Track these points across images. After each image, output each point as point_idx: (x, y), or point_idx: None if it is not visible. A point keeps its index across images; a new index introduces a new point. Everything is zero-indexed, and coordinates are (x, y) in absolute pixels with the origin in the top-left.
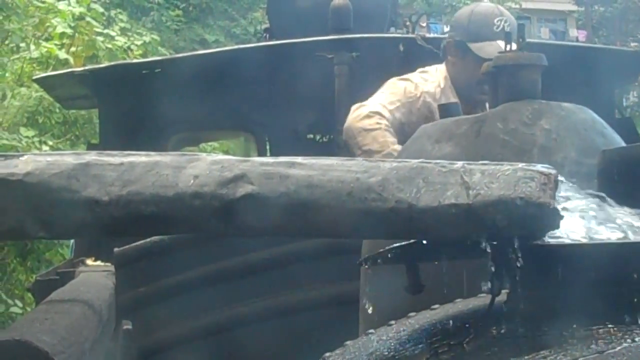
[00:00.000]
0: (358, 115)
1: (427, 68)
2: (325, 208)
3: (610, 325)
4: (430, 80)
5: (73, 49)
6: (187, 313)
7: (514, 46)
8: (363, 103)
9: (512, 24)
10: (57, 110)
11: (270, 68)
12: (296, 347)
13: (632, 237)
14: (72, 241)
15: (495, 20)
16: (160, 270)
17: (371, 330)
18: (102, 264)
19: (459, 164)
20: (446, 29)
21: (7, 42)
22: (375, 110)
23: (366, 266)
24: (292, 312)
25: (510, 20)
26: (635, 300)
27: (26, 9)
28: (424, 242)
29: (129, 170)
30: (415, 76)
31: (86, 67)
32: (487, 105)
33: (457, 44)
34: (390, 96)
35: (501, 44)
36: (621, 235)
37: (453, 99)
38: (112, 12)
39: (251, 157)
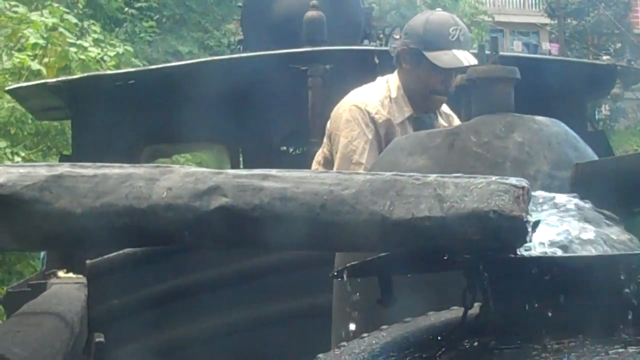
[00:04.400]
0: None
1: (378, 79)
2: (299, 221)
3: (582, 339)
4: (378, 92)
5: (46, 59)
6: (159, 325)
7: (470, 56)
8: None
9: (465, 34)
10: (30, 121)
11: (243, 80)
12: (269, 359)
13: (606, 251)
14: (42, 253)
15: (451, 30)
16: (132, 282)
17: (343, 343)
18: (74, 275)
19: (433, 176)
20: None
21: None
22: None
23: (339, 279)
24: (265, 324)
25: (464, 30)
26: (609, 313)
27: None
28: (398, 254)
29: (102, 182)
30: (360, 95)
31: (59, 78)
32: (437, 114)
33: (412, 51)
34: (358, 147)
35: (456, 52)
36: (596, 248)
37: (405, 108)
38: (85, 23)
39: (224, 169)
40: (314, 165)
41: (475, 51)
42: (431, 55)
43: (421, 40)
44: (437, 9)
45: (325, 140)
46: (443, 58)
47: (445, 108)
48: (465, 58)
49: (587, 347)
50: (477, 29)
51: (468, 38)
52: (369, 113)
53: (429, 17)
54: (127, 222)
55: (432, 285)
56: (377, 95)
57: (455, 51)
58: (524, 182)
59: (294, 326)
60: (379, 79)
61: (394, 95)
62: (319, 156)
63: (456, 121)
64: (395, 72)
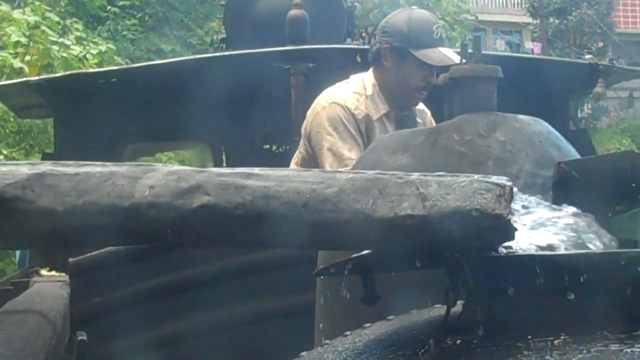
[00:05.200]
0: None
1: (351, 78)
2: (282, 219)
3: (565, 336)
4: (353, 89)
5: (28, 57)
6: (142, 324)
7: (454, 53)
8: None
9: (444, 32)
10: (12, 120)
11: (226, 78)
12: (251, 358)
13: (588, 248)
14: (18, 252)
15: (434, 28)
16: (115, 280)
17: (327, 341)
18: (57, 274)
19: (415, 175)
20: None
21: None
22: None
23: (322, 277)
24: (247, 322)
25: (442, 28)
26: (591, 310)
27: None
28: (380, 253)
29: (84, 180)
30: (336, 93)
31: (41, 77)
32: (414, 110)
33: (395, 49)
34: (345, 144)
35: (442, 50)
36: (577, 245)
37: (381, 105)
38: (68, 21)
39: (207, 167)
40: (292, 167)
41: (457, 49)
42: (420, 54)
43: (406, 39)
44: (413, 7)
45: (301, 141)
46: (432, 56)
47: (419, 104)
48: (452, 55)
49: (570, 345)
50: (460, 28)
51: (445, 36)
52: (348, 109)
53: (412, 15)
54: (109, 220)
55: (415, 284)
56: (352, 92)
57: (441, 49)
58: (506, 181)
59: (277, 324)
60: (352, 77)
61: (369, 92)
62: (296, 157)
63: (429, 116)
64: (370, 70)
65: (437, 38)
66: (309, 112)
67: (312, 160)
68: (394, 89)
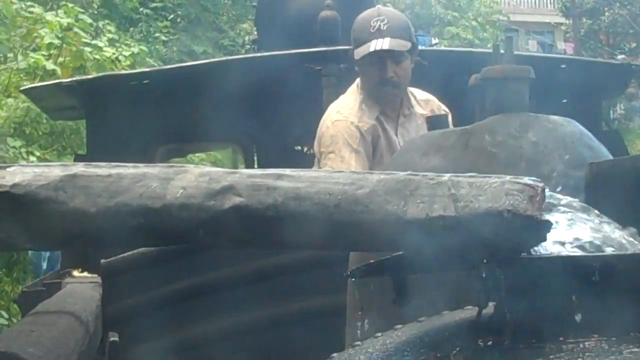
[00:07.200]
0: None
1: (350, 87)
2: (313, 220)
3: (597, 338)
4: (353, 100)
5: (61, 59)
6: (173, 325)
7: (385, 41)
8: None
9: (390, 22)
10: (45, 121)
11: (258, 79)
12: (283, 359)
13: (618, 250)
14: (47, 255)
15: (372, 22)
16: (147, 281)
17: (358, 343)
18: (89, 275)
19: (447, 176)
20: (434, 40)
21: None
22: None
23: (353, 278)
24: (279, 323)
25: (390, 18)
26: (623, 312)
27: (14, 20)
28: (411, 254)
29: (116, 181)
30: (339, 109)
31: (74, 78)
32: (416, 103)
33: (351, 54)
34: (344, 157)
35: (374, 41)
36: (607, 247)
37: (373, 106)
38: (100, 23)
39: (239, 168)
40: None
41: (401, 39)
42: (355, 52)
43: (353, 41)
44: (378, 6)
45: (315, 162)
46: (359, 50)
47: (421, 95)
48: (378, 44)
49: (602, 347)
50: (492, 29)
51: (395, 25)
52: (352, 123)
53: (357, 18)
54: (141, 221)
55: (446, 285)
56: (354, 104)
57: (374, 40)
58: (538, 182)
59: (308, 326)
60: (351, 87)
61: (361, 97)
62: None
63: (436, 104)
64: None
65: (374, 32)
66: (317, 132)
67: None
68: (367, 90)
